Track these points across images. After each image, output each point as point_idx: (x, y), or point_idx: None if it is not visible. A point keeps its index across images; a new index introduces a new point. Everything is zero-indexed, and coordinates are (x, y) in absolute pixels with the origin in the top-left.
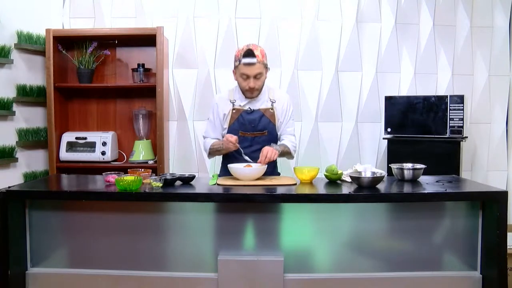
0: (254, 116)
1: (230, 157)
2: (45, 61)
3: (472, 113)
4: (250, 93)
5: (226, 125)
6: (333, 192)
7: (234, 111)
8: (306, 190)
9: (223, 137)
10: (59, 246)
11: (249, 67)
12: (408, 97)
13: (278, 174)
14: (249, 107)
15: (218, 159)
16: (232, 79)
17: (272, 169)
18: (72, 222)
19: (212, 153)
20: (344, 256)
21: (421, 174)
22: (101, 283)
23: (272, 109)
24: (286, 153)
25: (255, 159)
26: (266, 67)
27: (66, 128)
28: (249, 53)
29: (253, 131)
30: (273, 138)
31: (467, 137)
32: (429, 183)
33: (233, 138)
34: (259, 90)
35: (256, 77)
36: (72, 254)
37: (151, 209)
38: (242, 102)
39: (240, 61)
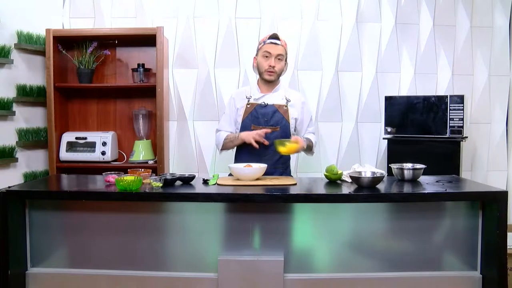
0: (268, 110)
1: (239, 156)
2: (45, 61)
3: (472, 113)
4: (269, 75)
5: (239, 119)
6: (333, 192)
7: (248, 105)
8: (306, 190)
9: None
10: (59, 246)
11: (273, 46)
12: (408, 97)
13: (291, 175)
14: (264, 101)
15: (222, 158)
16: (232, 79)
17: (284, 169)
18: (72, 222)
19: (225, 144)
20: (344, 256)
21: (421, 174)
22: (101, 283)
23: (286, 106)
24: (309, 148)
25: (267, 155)
26: (286, 58)
27: (66, 128)
28: (275, 35)
29: (266, 125)
30: (286, 135)
31: (467, 137)
32: (429, 183)
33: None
34: (277, 75)
35: (277, 58)
36: (72, 254)
37: (151, 209)
38: (257, 96)
39: (265, 42)
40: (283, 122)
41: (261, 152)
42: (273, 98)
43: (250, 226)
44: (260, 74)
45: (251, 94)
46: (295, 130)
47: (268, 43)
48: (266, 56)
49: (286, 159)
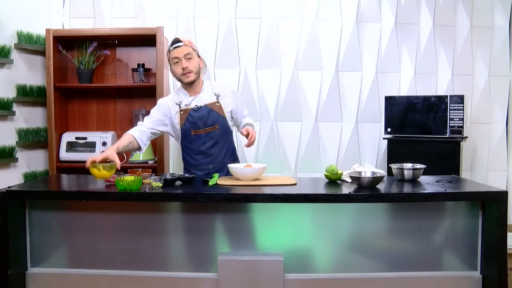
0: (202, 113)
1: (186, 157)
2: (45, 61)
3: (472, 113)
4: (186, 77)
5: (178, 127)
6: (333, 192)
7: (181, 112)
8: (306, 190)
9: (153, 134)
10: (59, 246)
11: (177, 50)
12: (408, 97)
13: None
14: (196, 105)
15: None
16: (232, 79)
17: (233, 162)
18: (72, 222)
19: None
20: (344, 256)
21: (421, 174)
22: (101, 283)
23: (218, 102)
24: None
25: (211, 155)
26: (197, 54)
27: (66, 128)
28: (175, 40)
29: (205, 127)
30: (225, 130)
31: (467, 137)
32: (429, 183)
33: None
34: (195, 74)
35: (186, 57)
36: (72, 254)
37: (151, 209)
38: (187, 101)
39: (170, 51)
40: (220, 119)
41: (206, 152)
42: (203, 98)
43: (250, 226)
44: (180, 80)
45: (180, 100)
46: (232, 120)
47: (172, 49)
48: (176, 62)
49: (231, 152)
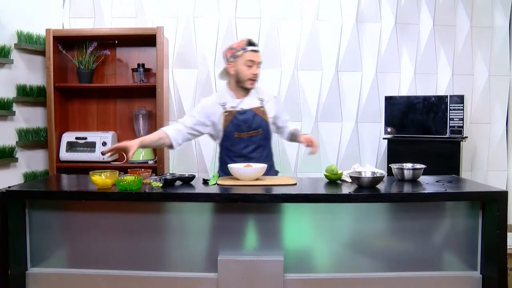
0: (248, 116)
1: (225, 158)
2: (45, 61)
3: (472, 113)
4: (251, 83)
5: (220, 127)
6: (333, 192)
7: (226, 113)
8: (306, 190)
9: (191, 134)
10: (59, 246)
11: (256, 54)
12: (408, 97)
13: (276, 172)
14: (241, 108)
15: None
16: None
17: (270, 168)
18: (72, 222)
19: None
20: (344, 256)
21: (421, 174)
22: (101, 283)
23: (262, 107)
24: (295, 137)
25: (252, 159)
26: None
27: (66, 128)
28: (253, 42)
29: (248, 131)
30: (268, 135)
31: (467, 137)
32: (429, 183)
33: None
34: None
35: (259, 65)
36: (72, 254)
37: (151, 209)
38: (233, 104)
39: (245, 49)
40: (263, 124)
41: (248, 155)
42: (249, 102)
43: (250, 226)
44: (241, 82)
45: (225, 101)
46: (273, 124)
47: (250, 50)
48: (250, 66)
49: (270, 157)
